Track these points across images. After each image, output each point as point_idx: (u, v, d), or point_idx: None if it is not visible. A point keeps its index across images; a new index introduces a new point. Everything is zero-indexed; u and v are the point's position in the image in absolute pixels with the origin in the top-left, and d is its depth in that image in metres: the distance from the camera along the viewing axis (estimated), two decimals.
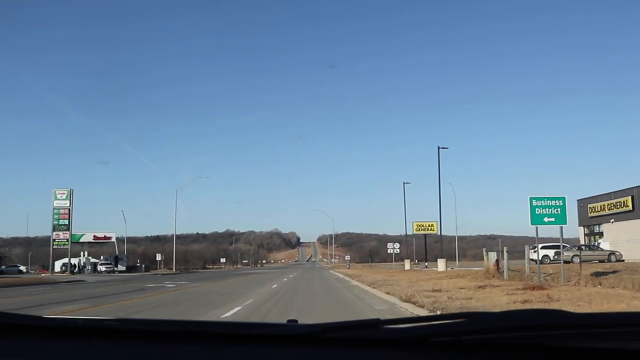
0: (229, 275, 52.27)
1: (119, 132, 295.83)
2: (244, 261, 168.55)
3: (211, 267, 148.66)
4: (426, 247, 61.76)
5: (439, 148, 39.74)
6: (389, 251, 58.16)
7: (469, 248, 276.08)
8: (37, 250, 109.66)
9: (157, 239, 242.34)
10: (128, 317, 2.07)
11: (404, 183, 56.51)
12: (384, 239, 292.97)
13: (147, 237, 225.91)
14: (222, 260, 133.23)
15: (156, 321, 1.77)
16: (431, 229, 61.24)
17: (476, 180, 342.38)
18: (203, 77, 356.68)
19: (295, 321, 1.90)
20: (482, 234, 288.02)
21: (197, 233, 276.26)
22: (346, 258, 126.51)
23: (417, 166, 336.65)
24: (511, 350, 1.39)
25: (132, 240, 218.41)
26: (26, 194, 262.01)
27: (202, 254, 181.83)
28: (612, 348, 1.36)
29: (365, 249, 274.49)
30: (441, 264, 36.23)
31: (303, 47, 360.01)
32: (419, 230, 61.25)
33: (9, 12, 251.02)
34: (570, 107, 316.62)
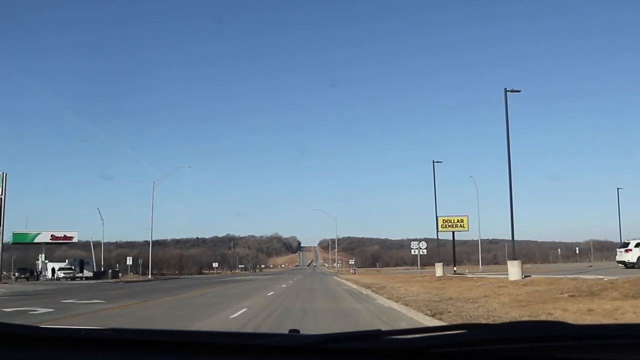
0: (205, 284, 39.29)
1: (118, 135, 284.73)
2: (240, 266, 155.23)
3: (207, 272, 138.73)
4: (454, 248, 48.39)
5: (506, 91, 26.25)
6: (413, 252, 44.47)
7: (474, 252, 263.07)
8: (25, 255, 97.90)
9: (157, 243, 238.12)
10: (126, 328, 2.06)
11: (433, 162, 42.71)
12: (385, 244, 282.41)
13: (145, 241, 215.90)
14: (215, 265, 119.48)
15: (155, 331, 1.75)
16: (460, 226, 47.78)
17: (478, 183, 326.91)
18: (202, 80, 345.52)
19: (297, 331, 1.85)
20: (484, 237, 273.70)
21: (197, 238, 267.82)
22: (350, 262, 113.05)
23: (416, 171, 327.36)
24: None
25: (130, 244, 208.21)
26: (26, 195, 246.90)
27: (198, 258, 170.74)
28: (613, 359, 1.36)
29: (367, 253, 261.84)
30: (514, 270, 22.64)
31: (303, 50, 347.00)
32: (445, 227, 47.75)
33: (8, 16, 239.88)
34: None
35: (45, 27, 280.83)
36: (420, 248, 43.91)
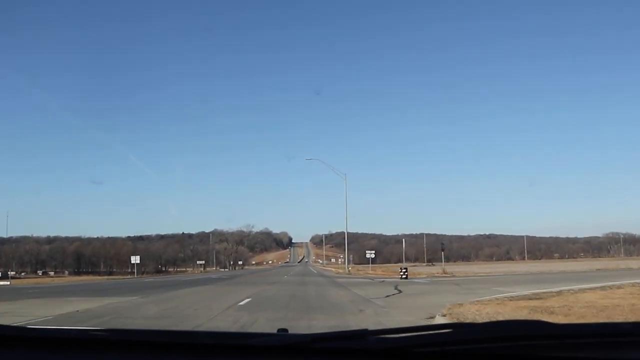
0: None
1: (109, 131, 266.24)
2: (199, 262, 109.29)
3: (172, 269, 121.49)
4: None
5: None
6: None
7: (481, 247, 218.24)
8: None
9: (141, 238, 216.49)
10: (118, 328, 2.05)
11: None
12: (381, 239, 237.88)
13: (129, 237, 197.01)
14: (135, 260, 70.22)
15: (146, 332, 1.79)
16: None
17: (468, 177, 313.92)
18: (193, 77, 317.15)
19: (286, 330, 1.88)
20: (480, 233, 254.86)
21: (183, 233, 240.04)
22: (369, 255, 65.13)
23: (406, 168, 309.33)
24: None
25: (113, 240, 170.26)
26: (8, 193, 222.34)
27: (159, 254, 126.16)
28: (595, 357, 1.37)
29: (365, 249, 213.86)
30: None
31: (291, 49, 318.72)
32: None
33: None
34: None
35: (35, 23, 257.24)
36: None
